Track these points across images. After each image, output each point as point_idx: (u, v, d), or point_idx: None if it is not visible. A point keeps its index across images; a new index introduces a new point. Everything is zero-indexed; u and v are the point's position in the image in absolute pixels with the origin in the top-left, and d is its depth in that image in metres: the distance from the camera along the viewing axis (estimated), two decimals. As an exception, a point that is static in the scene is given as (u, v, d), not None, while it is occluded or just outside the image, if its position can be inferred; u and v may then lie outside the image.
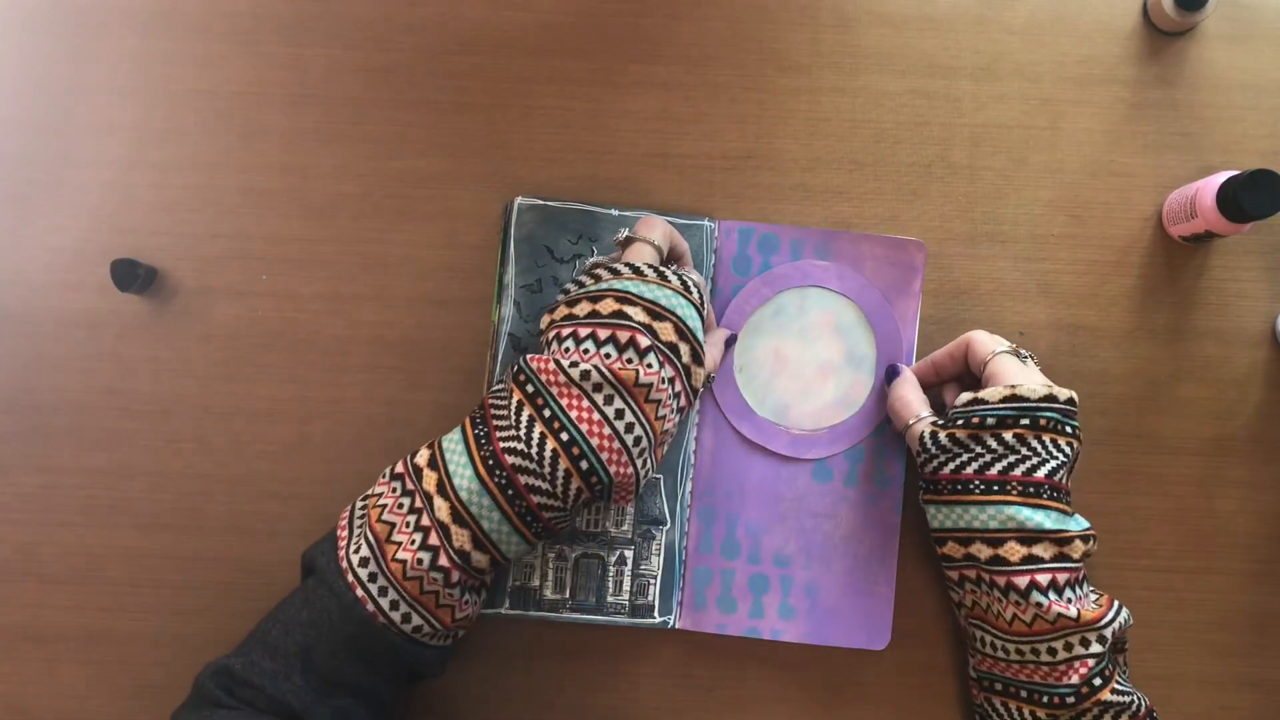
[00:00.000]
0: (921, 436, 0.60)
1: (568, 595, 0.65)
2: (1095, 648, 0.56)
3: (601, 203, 0.67)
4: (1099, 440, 0.67)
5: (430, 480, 0.55)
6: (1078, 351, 0.67)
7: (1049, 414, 0.57)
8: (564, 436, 0.54)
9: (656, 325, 0.56)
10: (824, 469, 0.66)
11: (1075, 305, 0.67)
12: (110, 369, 0.67)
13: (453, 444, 0.56)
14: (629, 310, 0.56)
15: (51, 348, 0.67)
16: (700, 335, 0.58)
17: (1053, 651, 0.57)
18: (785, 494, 0.66)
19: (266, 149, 0.68)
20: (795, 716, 0.66)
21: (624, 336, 0.55)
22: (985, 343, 0.60)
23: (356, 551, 0.55)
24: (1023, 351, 0.60)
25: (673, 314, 0.57)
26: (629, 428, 0.55)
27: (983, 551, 0.57)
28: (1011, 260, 0.68)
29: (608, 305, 0.56)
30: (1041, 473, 0.56)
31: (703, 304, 0.60)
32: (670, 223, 0.66)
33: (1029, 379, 0.58)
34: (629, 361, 0.55)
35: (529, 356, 0.57)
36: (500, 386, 0.59)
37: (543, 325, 0.59)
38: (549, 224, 0.66)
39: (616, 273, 0.58)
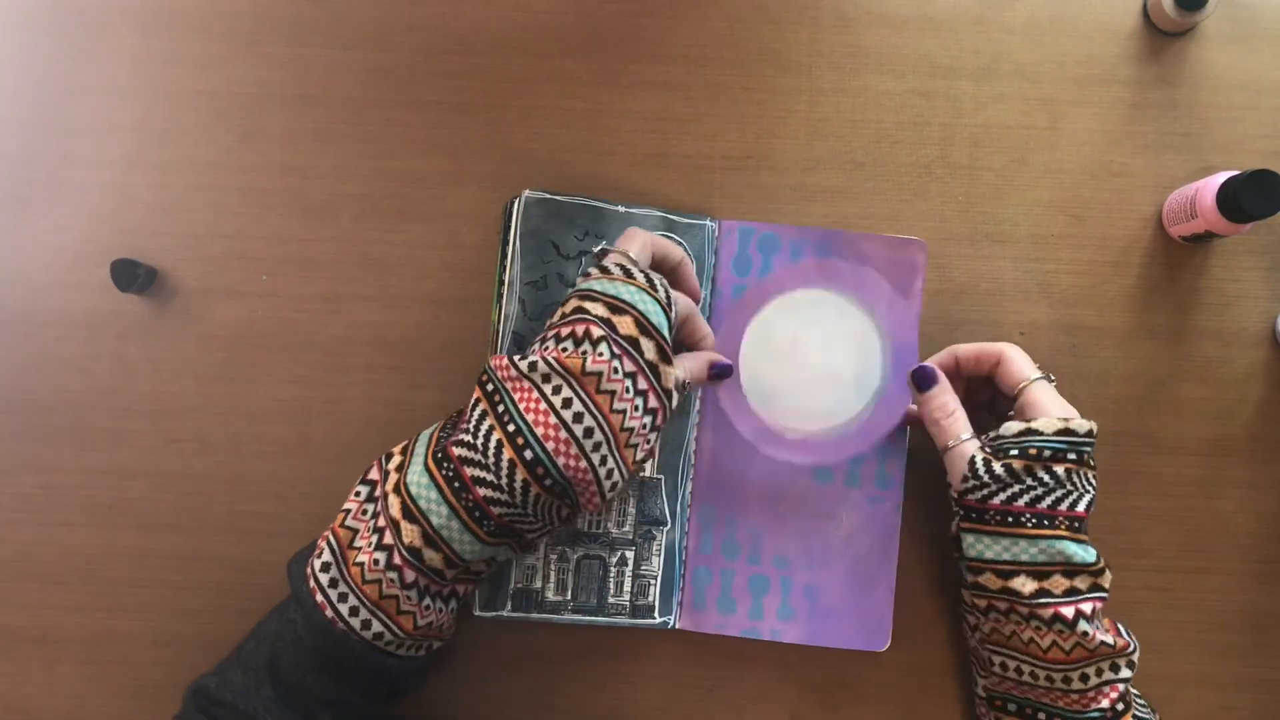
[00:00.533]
0: (972, 460, 0.58)
1: (569, 596, 0.65)
2: (1125, 673, 0.57)
3: (611, 198, 0.67)
4: (1099, 440, 0.67)
5: (391, 481, 0.55)
6: (1078, 351, 0.67)
7: (1087, 448, 0.57)
8: (510, 428, 0.53)
9: (615, 319, 0.55)
10: (825, 470, 0.66)
11: (1075, 305, 0.67)
12: (110, 369, 0.67)
13: (419, 447, 0.56)
14: (588, 305, 0.55)
15: (51, 348, 0.67)
16: (665, 332, 0.56)
17: (1085, 678, 0.57)
18: (786, 495, 0.66)
19: (266, 149, 0.68)
20: (795, 717, 0.66)
21: (580, 330, 0.55)
22: (1022, 366, 0.59)
23: (319, 556, 0.55)
24: (1050, 376, 0.60)
25: (633, 308, 0.55)
26: (577, 417, 0.53)
27: (1026, 585, 0.56)
28: (1011, 260, 0.68)
29: (570, 304, 0.56)
30: (1081, 507, 0.57)
31: (670, 305, 0.58)
32: (671, 221, 0.66)
33: (1072, 412, 0.58)
34: (580, 349, 0.54)
35: (493, 357, 0.57)
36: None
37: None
38: (555, 219, 0.66)
39: (586, 275, 0.58)
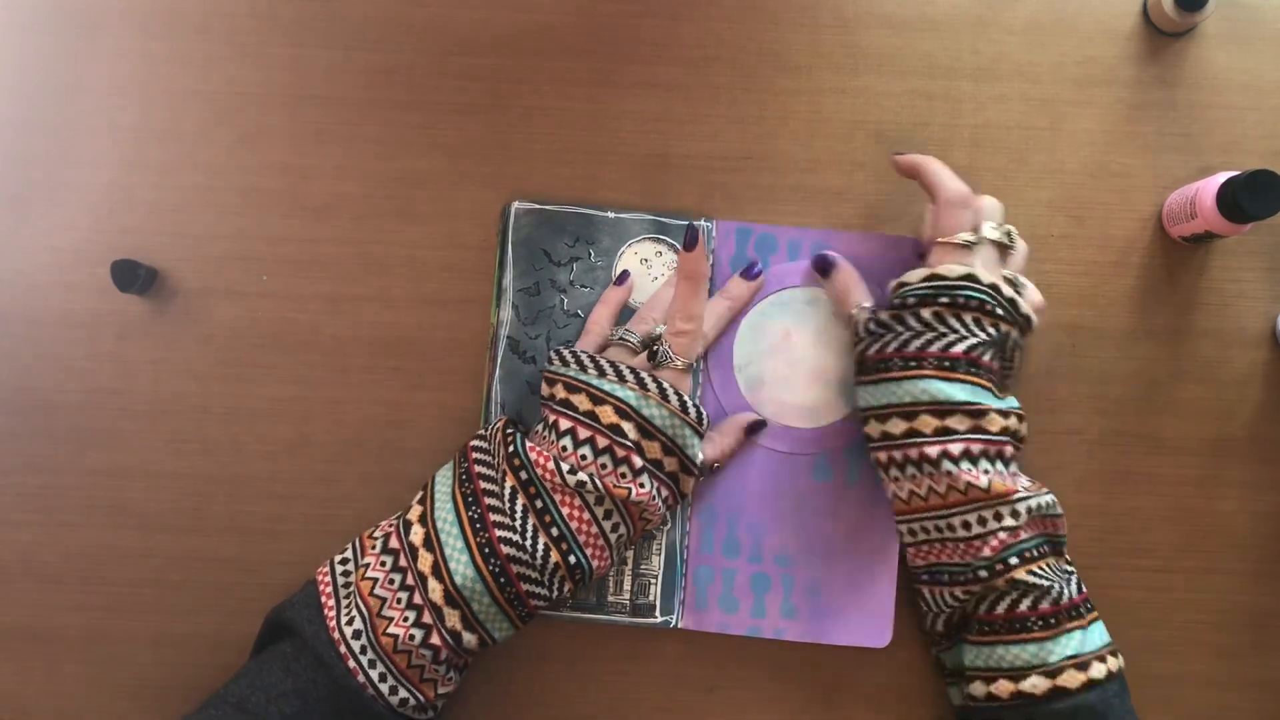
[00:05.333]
0: (856, 322, 0.62)
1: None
2: (1008, 521, 0.56)
3: (600, 204, 0.67)
4: (1099, 440, 0.67)
5: (426, 562, 0.57)
6: (1078, 351, 0.67)
7: (969, 294, 0.58)
8: (554, 532, 0.57)
9: (645, 444, 0.58)
10: (824, 467, 0.66)
11: (1075, 305, 0.67)
12: (110, 369, 0.67)
13: (446, 524, 0.58)
14: (625, 426, 0.58)
15: (51, 348, 0.67)
16: (691, 450, 0.60)
17: (967, 525, 0.57)
18: (786, 493, 0.66)
19: (267, 149, 0.68)
20: (796, 716, 0.66)
21: (620, 453, 0.58)
22: (940, 222, 0.60)
23: (350, 624, 0.56)
24: (981, 237, 0.59)
25: (662, 434, 0.59)
26: (615, 527, 0.59)
27: (898, 426, 0.58)
28: (1011, 260, 0.68)
29: (606, 414, 0.58)
30: (959, 348, 0.57)
31: (701, 421, 0.61)
32: (663, 224, 0.66)
33: (956, 260, 0.59)
34: (623, 477, 0.58)
35: (528, 446, 0.58)
36: (486, 456, 0.60)
37: (543, 392, 0.61)
38: (546, 227, 0.66)
39: (621, 376, 0.59)
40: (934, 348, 0.57)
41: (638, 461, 0.58)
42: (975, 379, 0.57)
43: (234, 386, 0.67)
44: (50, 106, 0.68)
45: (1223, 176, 0.62)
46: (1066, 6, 0.69)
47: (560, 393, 0.60)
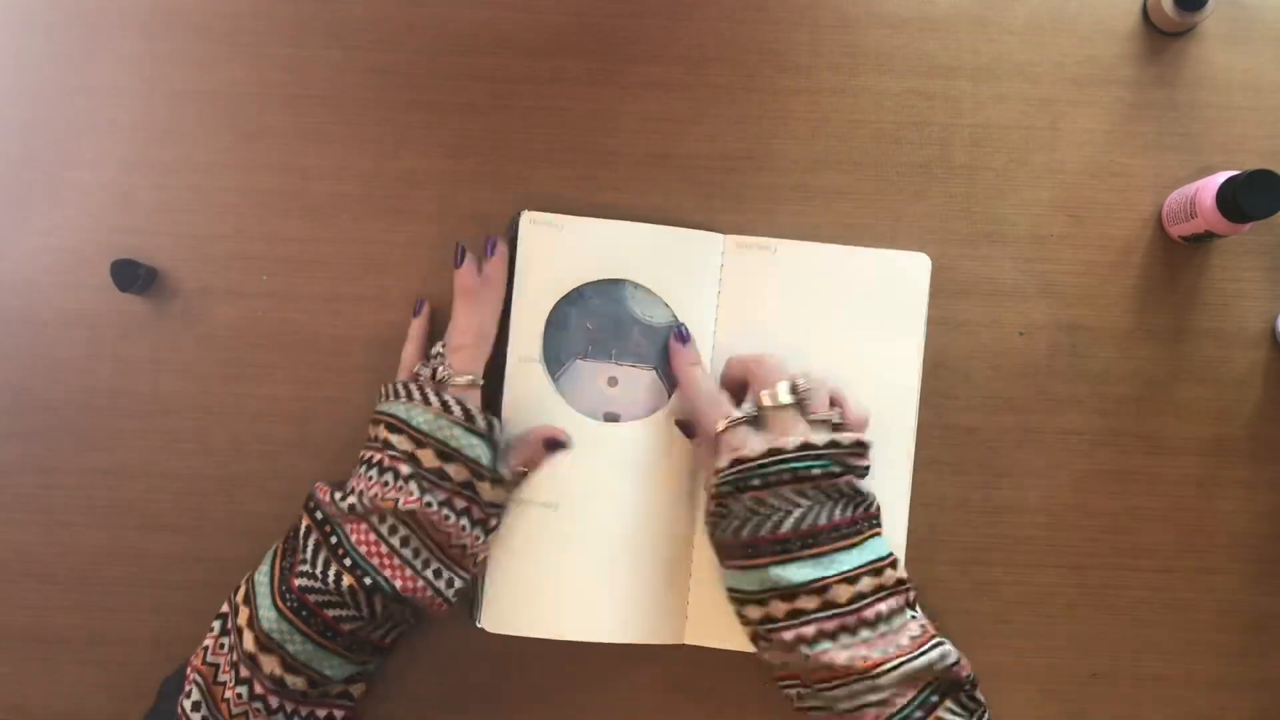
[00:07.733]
0: (708, 500, 0.60)
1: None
2: (871, 697, 0.55)
3: (604, 206, 0.66)
4: (1099, 440, 0.67)
5: (243, 616, 0.58)
6: (1078, 351, 0.67)
7: (776, 469, 0.57)
8: (347, 561, 0.57)
9: (419, 453, 0.58)
10: None
11: (1075, 305, 0.67)
12: (110, 369, 0.67)
13: (262, 577, 0.59)
14: (395, 439, 0.59)
15: (51, 348, 0.67)
16: (473, 451, 0.58)
17: (838, 700, 0.56)
18: None
19: (266, 149, 0.68)
20: (795, 718, 0.66)
21: (388, 463, 0.58)
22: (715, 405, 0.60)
23: (189, 696, 0.58)
24: (763, 408, 0.59)
25: (432, 439, 0.58)
26: (404, 542, 0.58)
27: (754, 611, 0.57)
28: (1011, 260, 0.68)
29: (380, 431, 0.60)
30: (786, 528, 0.56)
31: (471, 419, 0.59)
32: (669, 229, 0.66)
33: (749, 442, 0.58)
34: (385, 486, 0.58)
35: (317, 485, 0.60)
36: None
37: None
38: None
39: (395, 394, 0.61)
40: (763, 532, 0.56)
41: (405, 469, 0.57)
42: (813, 551, 0.56)
43: (234, 386, 0.67)
44: (50, 106, 0.68)
45: (1222, 176, 0.62)
46: (1066, 6, 0.69)
47: (369, 429, 0.62)
